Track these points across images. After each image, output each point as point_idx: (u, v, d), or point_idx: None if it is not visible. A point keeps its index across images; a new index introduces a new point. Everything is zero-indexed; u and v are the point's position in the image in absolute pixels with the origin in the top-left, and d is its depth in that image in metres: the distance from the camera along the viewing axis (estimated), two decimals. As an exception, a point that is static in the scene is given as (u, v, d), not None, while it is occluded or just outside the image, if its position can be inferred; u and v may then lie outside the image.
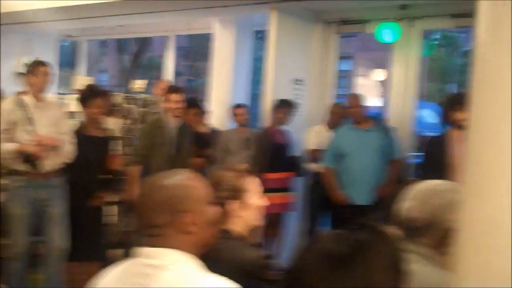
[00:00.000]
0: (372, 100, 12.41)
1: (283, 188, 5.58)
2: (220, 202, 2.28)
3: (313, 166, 5.65)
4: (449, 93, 12.96)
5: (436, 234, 1.85)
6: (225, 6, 6.26)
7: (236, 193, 2.34)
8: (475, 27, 1.10)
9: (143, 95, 6.55)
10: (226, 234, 2.31)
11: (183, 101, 5.04)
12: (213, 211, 1.63)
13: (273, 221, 5.70)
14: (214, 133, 5.99)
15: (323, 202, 5.46)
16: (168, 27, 8.40)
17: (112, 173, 4.83)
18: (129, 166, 4.98)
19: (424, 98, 14.17)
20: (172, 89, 5.17)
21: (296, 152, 5.80)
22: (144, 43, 17.88)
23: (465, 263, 1.09)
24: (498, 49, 1.04)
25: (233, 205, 2.33)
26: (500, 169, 1.02)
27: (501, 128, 1.02)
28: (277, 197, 5.44)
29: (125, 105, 6.36)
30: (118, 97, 6.44)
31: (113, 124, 5.60)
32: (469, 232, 1.09)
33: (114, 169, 4.83)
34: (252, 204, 2.38)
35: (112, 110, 5.90)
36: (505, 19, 1.03)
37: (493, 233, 1.03)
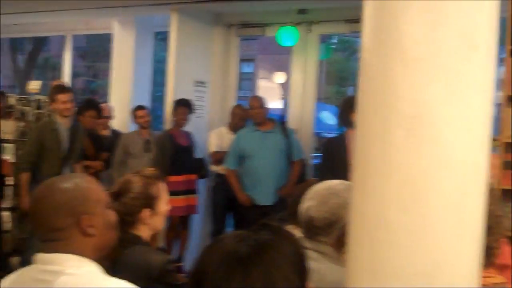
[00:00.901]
0: (274, 103, 12.60)
1: (187, 191, 5.54)
2: (130, 209, 2.25)
3: (216, 168, 5.67)
4: (346, 95, 13.44)
5: (335, 233, 1.91)
6: (124, 7, 6.14)
7: (148, 201, 2.31)
8: (361, 32, 1.15)
9: (38, 97, 6.28)
10: (133, 239, 2.27)
11: (71, 101, 4.85)
12: (112, 214, 1.62)
13: (178, 224, 5.66)
14: (115, 135, 5.86)
15: (227, 203, 5.49)
16: (65, 26, 8.12)
17: (2, 179, 4.60)
18: (18, 172, 4.75)
19: (323, 100, 14.60)
20: (59, 89, 4.96)
21: (200, 154, 5.79)
22: (40, 42, 17.16)
23: (356, 258, 1.14)
24: (382, 54, 1.10)
25: (145, 213, 2.29)
26: (386, 168, 1.08)
27: (386, 128, 1.07)
28: (182, 200, 5.42)
29: (19, 107, 6.08)
30: (12, 99, 6.15)
31: (6, 127, 5.34)
32: (358, 229, 1.14)
33: (4, 174, 4.60)
34: (161, 211, 2.36)
35: (6, 112, 5.62)
36: (389, 24, 1.09)
37: (381, 228, 1.08)
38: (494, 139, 5.10)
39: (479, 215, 1.10)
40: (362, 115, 1.14)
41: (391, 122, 1.07)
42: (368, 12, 1.13)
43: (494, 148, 5.00)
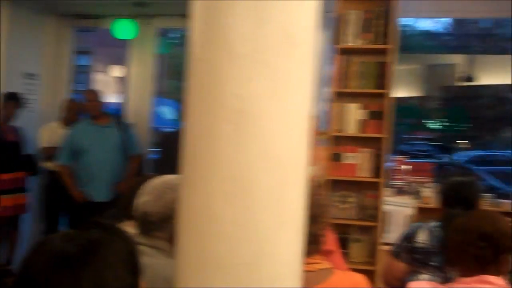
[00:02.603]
0: (111, 96, 12.28)
1: (15, 189, 5.23)
2: None
3: (48, 165, 5.40)
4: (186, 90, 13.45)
5: (171, 228, 1.91)
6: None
7: None
8: (189, 28, 1.17)
9: None
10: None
11: None
12: None
13: (6, 224, 5.32)
14: None
15: (61, 201, 5.27)
16: None
17: None
18: None
19: (162, 95, 14.51)
20: None
21: (30, 150, 5.48)
22: None
23: (184, 251, 1.16)
24: (210, 49, 1.12)
25: None
26: (213, 161, 1.11)
27: (213, 122, 1.10)
28: (10, 199, 5.10)
29: None
30: None
31: None
32: (186, 222, 1.15)
33: None
34: None
35: None
36: (216, 20, 1.12)
37: (208, 221, 1.11)
38: (323, 133, 5.44)
39: (300, 205, 1.17)
40: (191, 109, 1.15)
41: (218, 116, 1.10)
42: (196, 7, 1.15)
43: (323, 141, 5.33)
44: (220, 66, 1.10)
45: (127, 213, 2.28)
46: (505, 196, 4.89)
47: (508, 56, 14.21)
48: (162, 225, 1.95)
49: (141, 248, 1.83)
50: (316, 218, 1.90)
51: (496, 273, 1.99)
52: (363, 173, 4.53)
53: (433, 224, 2.83)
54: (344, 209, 4.58)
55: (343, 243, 4.54)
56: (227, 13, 1.10)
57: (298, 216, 1.16)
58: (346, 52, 4.54)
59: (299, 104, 1.14)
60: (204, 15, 1.13)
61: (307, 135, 1.18)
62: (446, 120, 6.10)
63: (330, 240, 2.41)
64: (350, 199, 4.59)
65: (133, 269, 1.14)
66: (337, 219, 4.40)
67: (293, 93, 1.12)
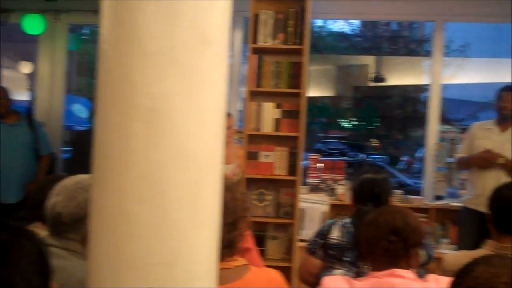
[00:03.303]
0: (20, 94, 11.78)
1: None
2: None
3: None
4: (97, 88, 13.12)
5: (83, 229, 1.86)
6: None
7: None
8: (100, 24, 1.14)
9: None
10: None
11: None
12: None
13: None
14: None
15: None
16: None
17: None
18: None
19: (74, 92, 14.07)
20: None
21: None
22: None
23: (97, 252, 1.13)
24: (120, 47, 1.10)
25: None
26: (125, 160, 1.09)
27: (124, 121, 1.08)
28: None
29: None
30: None
31: None
32: (99, 222, 1.13)
33: None
34: None
35: None
36: (126, 17, 1.09)
37: (121, 221, 1.09)
38: (239, 131, 5.46)
39: (215, 203, 1.16)
40: (101, 107, 1.12)
41: (129, 114, 1.07)
42: (106, 4, 1.12)
43: (240, 140, 5.35)
44: (131, 63, 1.08)
45: (37, 214, 2.19)
46: (415, 192, 5.10)
47: (416, 58, 14.84)
48: (75, 226, 1.90)
49: (53, 250, 1.77)
50: (236, 222, 1.92)
51: (407, 266, 2.07)
52: (280, 171, 4.59)
53: (346, 220, 2.90)
54: (261, 207, 4.62)
55: (260, 241, 4.59)
56: (138, 10, 1.08)
57: (214, 215, 1.16)
58: (260, 51, 4.58)
59: (213, 103, 1.13)
60: (114, 12, 1.10)
61: (221, 134, 1.17)
62: (359, 119, 6.31)
63: (247, 238, 2.42)
64: (267, 197, 4.64)
65: (43, 271, 1.11)
66: (254, 217, 4.43)
67: (206, 91, 1.11)
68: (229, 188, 1.94)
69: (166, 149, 1.07)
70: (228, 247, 1.88)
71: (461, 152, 4.80)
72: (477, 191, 4.50)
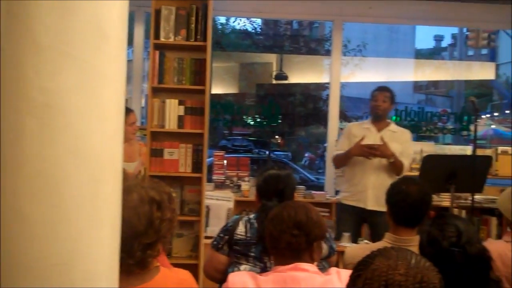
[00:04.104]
0: None
1: None
2: None
3: None
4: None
5: None
6: None
7: None
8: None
9: None
10: None
11: None
12: None
13: None
14: None
15: None
16: None
17: None
18: None
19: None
20: None
21: None
22: None
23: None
24: (13, 40, 1.05)
25: None
26: (18, 158, 1.04)
27: (17, 117, 1.04)
28: None
29: None
30: None
31: None
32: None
33: None
34: None
35: None
36: (19, 9, 1.04)
37: (16, 222, 1.04)
38: (142, 128, 5.37)
39: (116, 202, 1.13)
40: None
41: (22, 110, 1.02)
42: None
43: (143, 137, 5.26)
44: (23, 57, 1.03)
45: None
46: (317, 188, 5.24)
47: (316, 57, 15.25)
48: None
49: None
50: (155, 243, 1.88)
51: (310, 260, 2.11)
52: (184, 169, 4.56)
53: (251, 216, 2.93)
54: (165, 205, 4.55)
55: (165, 239, 4.53)
56: (32, 3, 1.03)
57: (114, 214, 1.13)
58: (162, 47, 4.53)
59: (111, 99, 1.10)
60: (7, 4, 1.04)
61: (121, 130, 1.14)
62: (262, 116, 6.40)
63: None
64: (172, 195, 4.59)
65: None
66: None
67: (104, 87, 1.08)
68: (160, 206, 1.88)
69: (62, 146, 1.03)
70: (139, 265, 1.84)
71: (337, 148, 4.95)
72: (358, 188, 4.66)
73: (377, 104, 4.74)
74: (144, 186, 1.87)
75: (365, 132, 4.71)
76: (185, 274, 2.04)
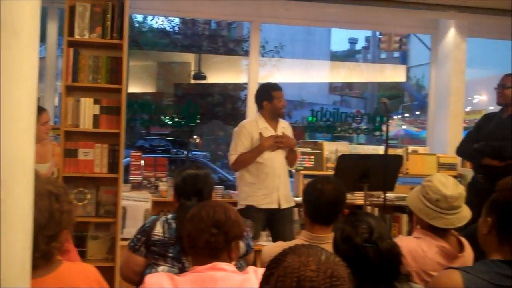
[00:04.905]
0: None
1: None
2: None
3: None
4: None
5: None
6: None
7: None
8: None
9: None
10: None
11: None
12: None
13: None
14: None
15: None
16: None
17: None
18: None
19: None
20: None
21: None
22: None
23: None
24: None
25: None
26: None
27: None
28: None
29: None
30: None
31: None
32: None
33: None
34: None
35: None
36: None
37: None
38: (56, 128, 5.20)
39: (26, 203, 1.10)
40: None
41: None
42: None
43: (56, 137, 5.10)
44: None
45: None
46: (235, 187, 5.26)
47: (235, 57, 15.32)
48: None
49: None
50: (58, 235, 1.89)
51: (228, 259, 2.13)
52: (100, 169, 4.47)
53: (169, 216, 2.91)
54: (81, 206, 4.46)
55: (81, 241, 4.44)
56: None
57: (26, 215, 1.10)
58: (77, 45, 4.41)
59: (22, 98, 1.07)
60: None
61: (33, 130, 1.11)
62: (180, 116, 6.34)
63: (68, 240, 2.34)
64: (87, 196, 4.49)
65: None
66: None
67: (15, 86, 1.05)
68: (58, 199, 1.93)
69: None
70: (44, 258, 1.89)
71: (239, 150, 4.79)
72: (270, 190, 4.73)
73: (284, 104, 4.84)
74: (40, 180, 1.86)
75: (264, 131, 4.78)
76: (90, 267, 2.08)
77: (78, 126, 4.42)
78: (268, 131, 4.78)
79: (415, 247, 2.66)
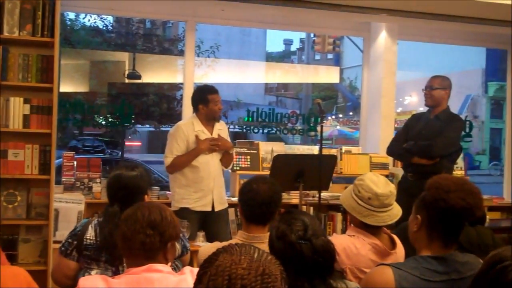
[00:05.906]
0: None
1: None
2: None
3: None
4: None
5: None
6: None
7: None
8: None
9: None
10: None
11: None
12: None
13: None
14: None
15: None
16: None
17: None
18: None
19: None
20: None
21: None
22: None
23: None
24: None
25: None
26: None
27: None
28: None
29: None
30: None
31: None
32: None
33: None
34: None
35: None
36: None
37: None
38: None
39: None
40: None
41: None
42: None
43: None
44: None
45: None
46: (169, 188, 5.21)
47: (170, 56, 15.19)
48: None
49: None
50: None
51: (164, 261, 2.12)
52: (30, 170, 4.36)
53: (100, 219, 2.86)
54: (11, 208, 4.34)
55: (11, 245, 4.32)
56: None
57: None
58: (6, 42, 4.29)
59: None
60: None
61: None
62: (115, 116, 6.21)
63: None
64: (17, 198, 4.37)
65: None
66: (3, 220, 4.15)
67: None
68: None
69: None
70: None
71: (175, 153, 4.75)
72: (204, 192, 4.73)
73: (220, 107, 4.83)
74: None
75: (200, 134, 4.75)
76: (20, 270, 2.04)
77: (7, 126, 4.30)
78: (204, 134, 4.77)
79: (348, 245, 2.73)
